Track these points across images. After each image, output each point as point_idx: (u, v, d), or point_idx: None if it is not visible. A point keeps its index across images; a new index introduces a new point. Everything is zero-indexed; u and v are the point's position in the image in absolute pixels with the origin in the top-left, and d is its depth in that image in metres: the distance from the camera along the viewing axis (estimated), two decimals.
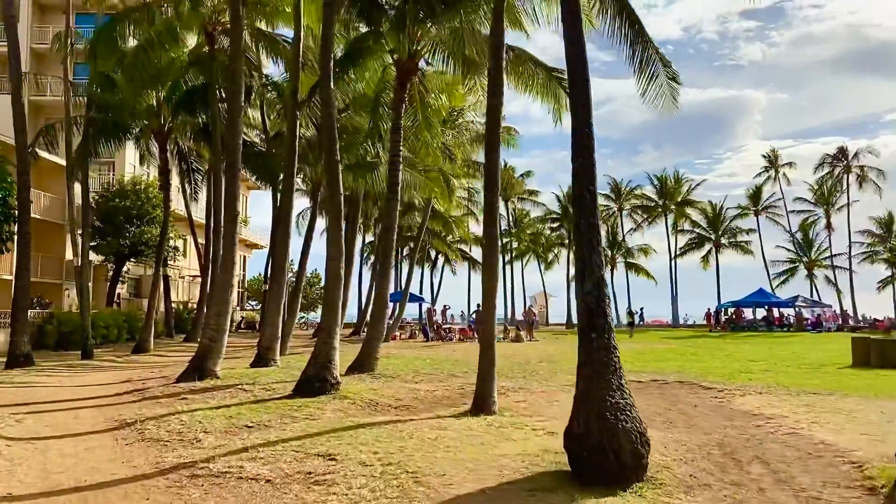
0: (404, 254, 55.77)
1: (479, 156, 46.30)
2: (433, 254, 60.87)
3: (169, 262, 39.07)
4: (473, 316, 40.60)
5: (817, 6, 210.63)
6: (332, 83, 14.29)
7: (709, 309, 62.32)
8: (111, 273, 38.19)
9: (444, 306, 41.93)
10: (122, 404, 13.11)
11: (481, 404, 11.41)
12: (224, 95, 25.01)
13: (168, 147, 28.81)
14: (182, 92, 26.18)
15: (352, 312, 45.24)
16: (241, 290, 56.16)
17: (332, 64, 14.37)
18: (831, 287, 69.22)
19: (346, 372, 15.93)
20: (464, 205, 51.36)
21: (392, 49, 18.92)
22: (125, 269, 38.83)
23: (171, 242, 38.27)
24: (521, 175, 70.46)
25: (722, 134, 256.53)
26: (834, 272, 69.40)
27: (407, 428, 9.91)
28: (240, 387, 14.87)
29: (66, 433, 10.26)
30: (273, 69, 38.88)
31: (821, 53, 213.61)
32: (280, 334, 20.65)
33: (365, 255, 55.15)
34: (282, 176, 31.72)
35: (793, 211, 71.51)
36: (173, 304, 41.45)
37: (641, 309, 70.93)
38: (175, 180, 33.84)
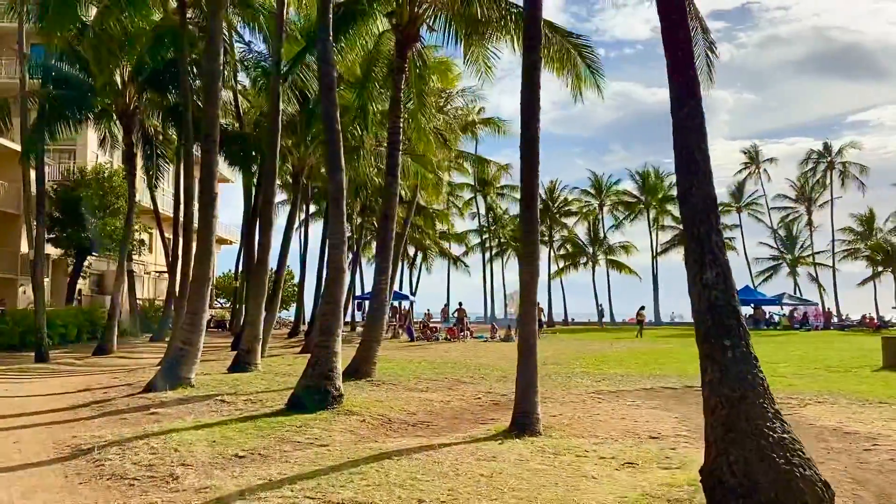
0: None
1: (466, 145, 44.47)
2: (411, 251, 58.57)
3: (134, 257, 36.40)
4: (455, 315, 38.45)
5: (783, 8, 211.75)
6: (330, 35, 12.07)
7: None
8: (71, 268, 35.40)
9: (460, 304, 39.67)
10: (78, 421, 10.77)
11: (524, 422, 9.32)
12: (196, 72, 22.67)
13: (134, 129, 26.20)
14: (149, 67, 23.65)
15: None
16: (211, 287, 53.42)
17: (330, 13, 12.13)
18: (813, 284, 68.49)
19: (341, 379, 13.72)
20: (447, 199, 49.27)
21: (391, 12, 16.75)
22: (87, 263, 36.05)
23: (137, 235, 35.62)
24: (499, 169, 68.26)
25: None
26: (815, 269, 68.62)
27: (443, 458, 7.77)
28: (220, 398, 12.60)
29: None
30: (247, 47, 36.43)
31: (787, 55, 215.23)
32: (261, 335, 18.37)
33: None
34: (256, 168, 29.72)
35: (774, 208, 70.64)
36: (139, 302, 38.72)
37: (601, 306, 69.84)
38: (140, 170, 31.27)
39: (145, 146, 29.43)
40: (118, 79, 25.17)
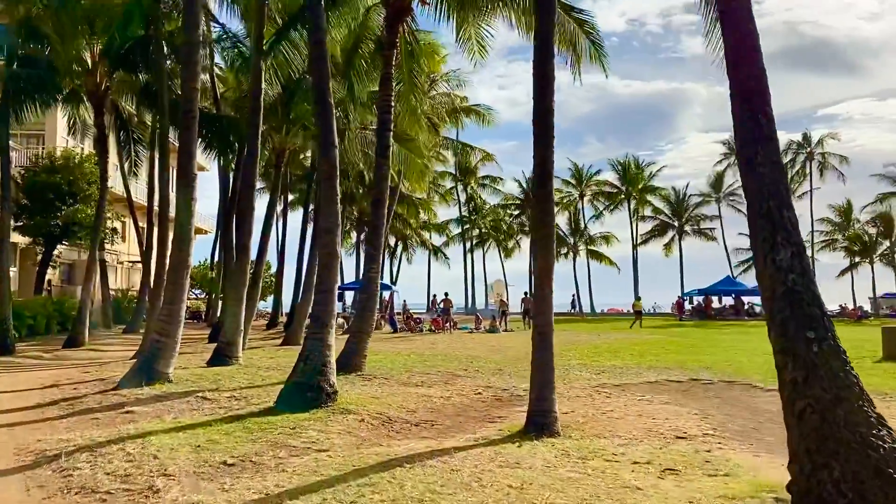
0: (361, 238, 52.26)
1: (447, 134, 43.46)
2: (392, 240, 57.44)
3: (106, 245, 35.02)
4: (441, 305, 37.54)
5: (756, 2, 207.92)
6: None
7: (679, 297, 60.60)
8: (40, 256, 33.97)
9: (446, 294, 38.64)
10: (44, 422, 9.74)
11: (541, 422, 8.47)
12: (169, 49, 21.50)
13: (105, 111, 24.92)
14: (120, 44, 22.36)
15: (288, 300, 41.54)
16: None
17: None
18: None
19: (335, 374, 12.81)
20: (430, 188, 48.24)
21: None
22: (56, 252, 34.63)
23: (109, 223, 34.26)
24: (481, 158, 67.30)
25: (664, 126, 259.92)
26: None
27: (461, 465, 6.89)
28: (200, 394, 11.63)
29: None
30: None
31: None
32: (242, 327, 17.36)
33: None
34: (234, 154, 28.52)
35: None
36: (111, 292, 37.34)
37: (573, 296, 69.58)
38: (113, 156, 29.95)
39: (120, 131, 28.17)
40: (88, 58, 23.89)
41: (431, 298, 37.96)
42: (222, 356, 16.43)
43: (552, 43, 9.39)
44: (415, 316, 38.86)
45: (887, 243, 65.42)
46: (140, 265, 39.38)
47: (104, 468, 6.89)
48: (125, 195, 36.46)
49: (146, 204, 34.55)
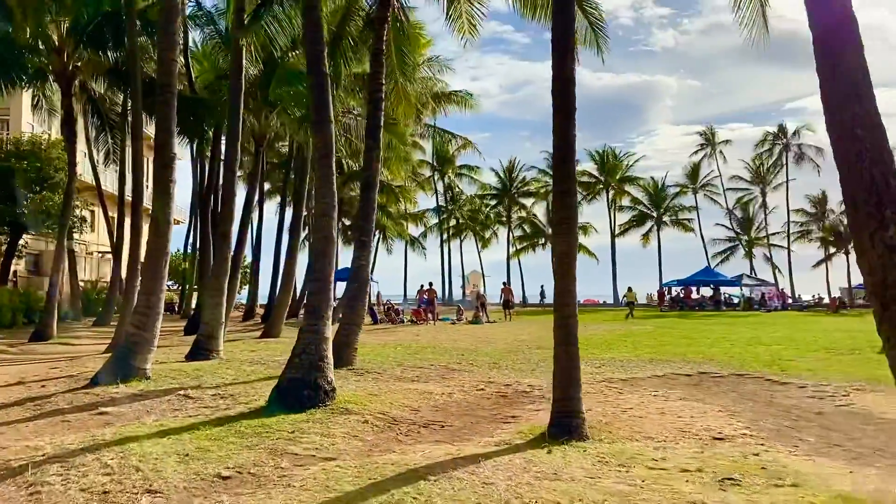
0: (339, 227, 51.06)
1: (429, 120, 42.40)
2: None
3: (75, 235, 33.63)
4: (425, 296, 36.65)
5: None
6: None
7: (661, 288, 60.41)
8: (5, 246, 32.49)
9: (430, 284, 37.83)
10: (8, 425, 8.73)
11: (568, 424, 7.65)
12: (141, 25, 20.33)
13: (73, 92, 23.64)
14: (89, 20, 21.14)
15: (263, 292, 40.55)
16: None
17: None
18: (767, 265, 68.63)
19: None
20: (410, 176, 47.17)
21: None
22: (22, 242, 33.15)
23: (78, 212, 32.88)
24: (459, 147, 66.26)
25: (634, 119, 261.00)
26: (769, 251, 68.74)
27: (492, 476, 6.06)
28: (182, 392, 10.67)
29: None
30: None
31: (729, 42, 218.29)
32: (223, 319, 16.37)
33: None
34: (211, 137, 27.33)
35: (730, 189, 70.38)
36: (81, 283, 35.96)
37: (542, 287, 69.43)
38: (82, 143, 28.57)
39: (92, 115, 26.84)
40: (54, 35, 22.58)
41: (419, 289, 37.05)
42: (202, 350, 15.43)
43: (573, 4, 8.55)
44: (395, 307, 37.91)
45: None
46: (110, 256, 38.06)
47: (78, 483, 5.95)
48: (94, 183, 35.09)
49: (117, 192, 33.25)
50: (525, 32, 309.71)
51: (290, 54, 20.25)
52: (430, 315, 34.24)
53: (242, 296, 50.69)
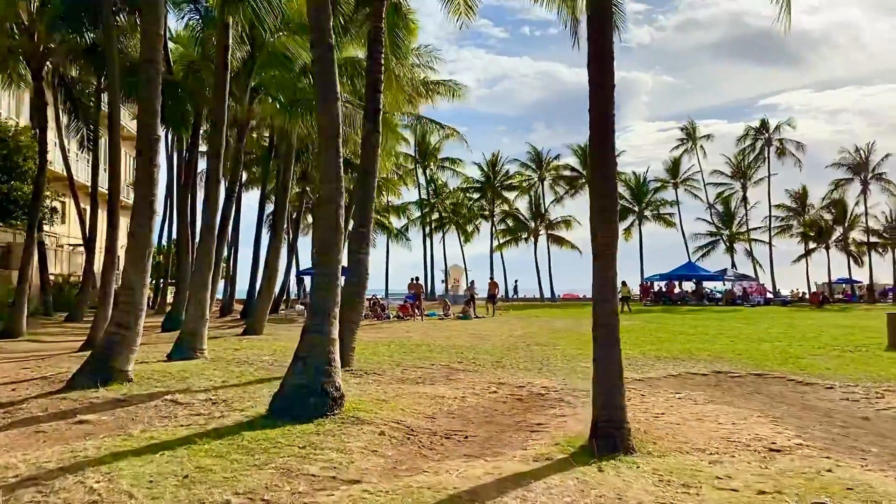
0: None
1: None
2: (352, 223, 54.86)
3: (44, 226, 32.23)
4: (413, 291, 35.72)
5: None
6: None
7: (645, 282, 60.11)
8: None
9: (417, 279, 36.87)
10: None
11: (612, 435, 6.83)
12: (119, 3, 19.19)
13: (44, 75, 22.36)
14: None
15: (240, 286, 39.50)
16: None
17: None
18: (749, 260, 68.54)
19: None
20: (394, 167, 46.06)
21: None
22: None
23: (48, 202, 31.47)
24: (443, 138, 65.08)
25: None
26: (750, 245, 68.63)
27: (547, 501, 5.21)
28: (170, 397, 9.71)
29: None
30: None
31: (704, 39, 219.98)
32: (207, 315, 15.36)
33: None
34: (191, 125, 26.17)
35: (710, 183, 70.17)
36: (51, 277, 34.54)
37: (516, 282, 69.14)
38: (52, 131, 27.26)
39: (65, 101, 25.52)
40: (23, 14, 21.30)
41: (410, 282, 36.03)
42: (185, 348, 14.45)
43: None
44: (381, 302, 36.95)
45: (840, 230, 65.89)
46: (82, 249, 36.68)
47: None
48: (65, 173, 33.64)
49: (90, 183, 31.90)
50: (503, 27, 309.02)
51: (276, 35, 19.19)
52: (416, 310, 33.33)
53: (218, 290, 49.43)
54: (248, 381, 11.59)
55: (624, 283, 43.56)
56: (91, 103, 26.95)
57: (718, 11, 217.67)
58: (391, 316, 33.36)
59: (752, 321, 31.63)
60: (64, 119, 27.68)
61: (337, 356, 8.60)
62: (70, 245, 41.71)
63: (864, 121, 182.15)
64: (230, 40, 15.58)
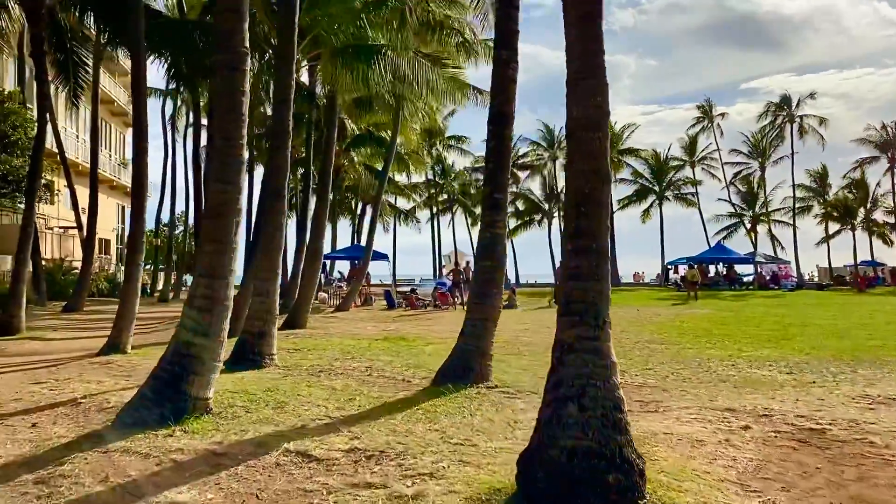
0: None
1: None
2: (359, 205, 51.06)
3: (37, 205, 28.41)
4: (450, 276, 32.24)
5: None
6: None
7: (668, 265, 57.13)
8: None
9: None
10: None
11: None
12: None
13: (42, 20, 18.49)
14: None
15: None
16: (119, 246, 44.91)
17: None
18: (768, 242, 65.65)
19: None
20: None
21: None
22: None
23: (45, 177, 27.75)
24: (449, 114, 60.76)
25: None
26: (770, 227, 65.70)
27: None
28: (292, 447, 6.24)
29: None
30: None
31: (687, 23, 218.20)
32: (276, 310, 11.82)
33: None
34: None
35: (728, 163, 67.10)
36: (43, 262, 30.57)
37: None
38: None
39: (56, 52, 21.48)
40: None
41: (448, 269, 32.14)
42: (251, 355, 10.97)
43: None
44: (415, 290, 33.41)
45: (863, 210, 62.99)
46: (75, 231, 32.94)
47: None
48: (55, 147, 29.68)
49: (89, 160, 28.17)
50: None
51: None
52: (455, 299, 29.74)
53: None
54: (372, 405, 8.20)
55: (692, 266, 40.39)
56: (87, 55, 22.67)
57: None
58: (428, 305, 29.75)
59: (795, 307, 28.81)
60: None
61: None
62: (61, 228, 37.72)
63: (844, 104, 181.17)
64: None
